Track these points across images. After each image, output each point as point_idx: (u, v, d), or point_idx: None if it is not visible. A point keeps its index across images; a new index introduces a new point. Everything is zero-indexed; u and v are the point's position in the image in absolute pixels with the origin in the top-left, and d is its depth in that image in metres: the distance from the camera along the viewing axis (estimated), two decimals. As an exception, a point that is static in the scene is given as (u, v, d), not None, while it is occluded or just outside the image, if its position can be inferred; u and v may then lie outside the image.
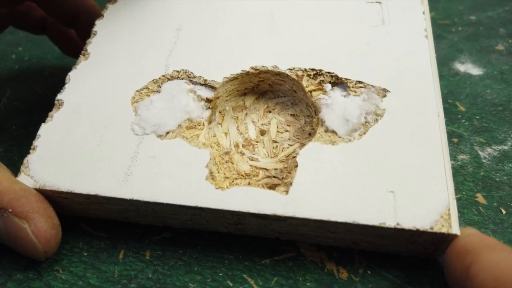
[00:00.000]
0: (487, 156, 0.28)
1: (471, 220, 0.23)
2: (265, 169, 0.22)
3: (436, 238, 0.18)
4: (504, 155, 0.28)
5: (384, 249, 0.20)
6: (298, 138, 0.21)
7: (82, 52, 0.26)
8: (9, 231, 0.19)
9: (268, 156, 0.23)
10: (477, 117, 0.32)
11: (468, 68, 0.39)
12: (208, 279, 0.20)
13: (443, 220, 0.18)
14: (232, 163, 0.22)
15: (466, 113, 0.32)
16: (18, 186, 0.20)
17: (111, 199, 0.20)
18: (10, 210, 0.19)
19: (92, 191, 0.20)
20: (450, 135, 0.30)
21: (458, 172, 0.26)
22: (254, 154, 0.23)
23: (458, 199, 0.24)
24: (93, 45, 0.26)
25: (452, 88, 0.35)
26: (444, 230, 0.18)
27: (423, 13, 0.26)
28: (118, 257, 0.21)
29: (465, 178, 0.26)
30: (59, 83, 0.36)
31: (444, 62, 0.40)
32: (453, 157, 0.28)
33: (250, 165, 0.22)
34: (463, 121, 0.31)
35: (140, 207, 0.20)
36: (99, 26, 0.27)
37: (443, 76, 0.38)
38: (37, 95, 0.34)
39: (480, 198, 0.24)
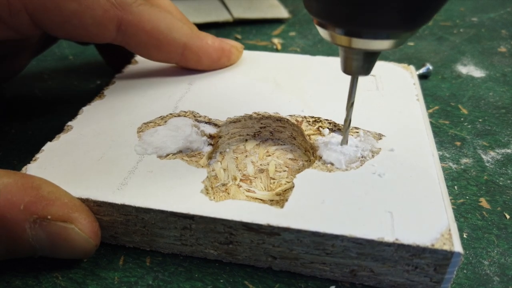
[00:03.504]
0: (491, 160, 0.27)
1: (474, 225, 0.23)
2: (261, 199, 0.22)
3: (439, 260, 0.18)
4: (508, 159, 0.28)
5: (385, 283, 0.19)
6: (296, 178, 0.22)
7: (99, 94, 0.28)
8: (54, 238, 0.19)
9: (265, 189, 0.23)
10: (480, 120, 0.31)
11: (470, 70, 0.39)
12: (209, 285, 0.20)
13: (444, 238, 0.18)
14: (228, 193, 0.23)
15: (469, 116, 0.32)
16: (45, 190, 0.19)
17: (103, 204, 0.20)
18: (49, 217, 0.18)
19: (84, 195, 0.20)
20: (453, 138, 0.29)
21: (461, 176, 0.26)
22: (251, 187, 0.23)
23: (461, 204, 0.24)
24: (109, 90, 0.28)
25: (454, 91, 0.35)
26: (446, 247, 0.17)
27: (414, 84, 0.29)
28: (118, 263, 0.21)
29: (468, 182, 0.25)
30: (59, 86, 0.36)
31: (446, 64, 0.40)
32: (456, 160, 0.27)
33: (247, 196, 0.23)
34: (465, 124, 0.31)
35: (130, 217, 0.20)
36: (118, 77, 0.30)
37: (445, 78, 0.37)
38: (37, 98, 0.34)
39: (483, 202, 0.24)
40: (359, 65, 0.19)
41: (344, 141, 0.23)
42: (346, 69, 0.20)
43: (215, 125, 0.25)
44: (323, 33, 0.18)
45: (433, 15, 0.17)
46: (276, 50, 0.43)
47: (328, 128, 0.24)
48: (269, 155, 0.25)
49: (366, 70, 0.19)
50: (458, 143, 0.29)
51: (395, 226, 0.18)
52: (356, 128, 0.24)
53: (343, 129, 0.23)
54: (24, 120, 0.31)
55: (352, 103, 0.21)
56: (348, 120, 0.22)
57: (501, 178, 0.26)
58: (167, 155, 0.22)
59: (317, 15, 0.18)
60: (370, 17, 0.16)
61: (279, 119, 0.26)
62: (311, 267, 0.20)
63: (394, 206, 0.19)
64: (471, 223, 0.23)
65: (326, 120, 0.25)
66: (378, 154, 0.22)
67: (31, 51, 0.30)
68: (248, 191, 0.23)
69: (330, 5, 0.17)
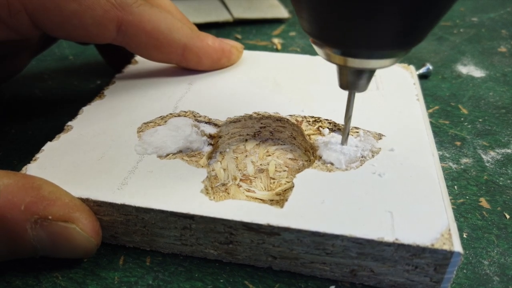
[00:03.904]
0: (491, 160, 0.27)
1: (474, 225, 0.23)
2: (261, 199, 0.22)
3: (439, 260, 0.18)
4: (508, 159, 0.28)
5: (385, 283, 0.19)
6: (296, 178, 0.22)
7: (99, 94, 0.28)
8: (55, 238, 0.19)
9: (265, 189, 0.23)
10: (480, 120, 0.31)
11: (470, 70, 0.39)
12: (209, 285, 0.20)
13: (444, 238, 0.18)
14: (228, 193, 0.23)
15: (469, 116, 0.32)
16: (46, 190, 0.19)
17: (103, 204, 0.20)
18: (50, 217, 0.18)
19: (84, 195, 0.20)
20: (453, 138, 0.29)
21: (461, 176, 0.26)
22: (251, 187, 0.23)
23: (461, 204, 0.24)
24: (109, 90, 0.28)
25: (454, 91, 0.35)
26: (446, 247, 0.17)
27: (414, 84, 0.29)
28: (118, 263, 0.21)
29: (468, 182, 0.25)
30: (59, 86, 0.36)
31: (446, 64, 0.40)
32: (456, 160, 0.27)
33: (247, 196, 0.23)
34: (465, 124, 0.31)
35: (130, 217, 0.20)
36: (118, 77, 0.30)
37: (446, 78, 0.37)
38: (37, 98, 0.34)
39: (483, 202, 0.24)
40: (355, 81, 0.19)
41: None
42: (342, 85, 0.20)
43: (215, 125, 0.25)
44: (319, 51, 0.18)
45: (427, 34, 0.17)
46: (276, 50, 0.43)
47: (328, 128, 0.24)
48: (269, 155, 0.25)
49: (363, 86, 0.19)
50: (458, 143, 0.29)
51: (395, 226, 0.18)
52: (356, 128, 0.24)
53: (342, 138, 0.23)
54: (24, 120, 0.31)
55: (350, 117, 0.21)
56: (346, 132, 0.22)
57: (501, 178, 0.26)
58: (167, 155, 0.22)
59: (313, 35, 0.18)
60: (366, 39, 0.16)
61: (279, 119, 0.26)
62: (311, 267, 0.20)
63: (394, 206, 0.19)
64: (471, 223, 0.23)
65: (326, 120, 0.25)
66: (378, 154, 0.22)
67: (31, 51, 0.30)
68: (248, 191, 0.23)
69: (325, 26, 0.17)
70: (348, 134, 0.22)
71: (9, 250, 0.19)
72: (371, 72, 0.19)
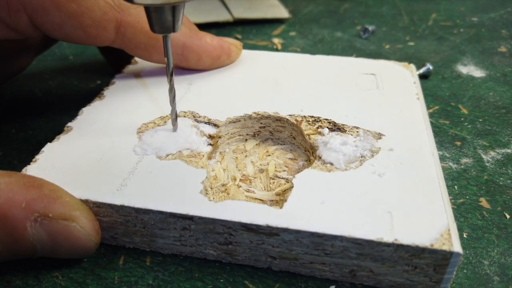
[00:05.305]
0: (491, 160, 0.27)
1: (474, 225, 0.23)
2: (260, 200, 0.22)
3: (438, 260, 0.18)
4: (508, 159, 0.28)
5: (384, 283, 0.19)
6: (295, 178, 0.22)
7: (99, 94, 0.28)
8: (55, 236, 0.19)
9: (265, 190, 0.23)
10: (480, 120, 0.31)
11: (470, 70, 0.39)
12: (209, 285, 0.20)
13: (443, 238, 0.18)
14: (228, 193, 0.23)
15: (469, 116, 0.32)
16: (46, 188, 0.19)
17: (102, 205, 0.20)
18: (50, 215, 0.18)
19: (83, 196, 0.20)
20: (453, 138, 0.29)
21: (461, 176, 0.26)
22: (251, 187, 0.23)
23: (461, 204, 0.24)
24: (109, 91, 0.28)
25: (454, 91, 0.35)
26: (445, 247, 0.17)
27: (414, 83, 0.29)
28: (118, 263, 0.21)
29: (468, 182, 0.25)
30: (59, 86, 0.36)
31: (446, 64, 0.40)
32: (456, 160, 0.27)
33: (246, 196, 0.23)
34: (466, 124, 0.31)
35: (130, 218, 0.20)
36: (118, 77, 0.30)
37: (446, 78, 0.37)
38: (37, 98, 0.34)
39: (483, 202, 0.24)
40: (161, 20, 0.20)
41: (175, 128, 0.24)
42: (155, 30, 0.20)
43: (215, 125, 0.25)
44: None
45: None
46: (276, 50, 0.43)
47: (327, 127, 0.24)
48: (269, 155, 0.25)
49: (168, 24, 0.20)
50: (458, 143, 0.29)
51: (395, 226, 0.18)
52: (356, 127, 0.24)
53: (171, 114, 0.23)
54: (24, 120, 0.31)
55: (172, 73, 0.23)
56: (172, 92, 0.23)
57: (501, 178, 0.26)
58: (167, 155, 0.22)
59: None
60: None
61: (279, 119, 0.26)
62: (311, 267, 0.20)
63: (394, 206, 0.19)
64: (471, 223, 0.23)
65: (326, 119, 0.25)
66: (377, 154, 0.22)
67: (34, 51, 0.30)
68: (248, 191, 0.23)
69: None
70: (176, 116, 0.24)
71: (8, 249, 0.19)
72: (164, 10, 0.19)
